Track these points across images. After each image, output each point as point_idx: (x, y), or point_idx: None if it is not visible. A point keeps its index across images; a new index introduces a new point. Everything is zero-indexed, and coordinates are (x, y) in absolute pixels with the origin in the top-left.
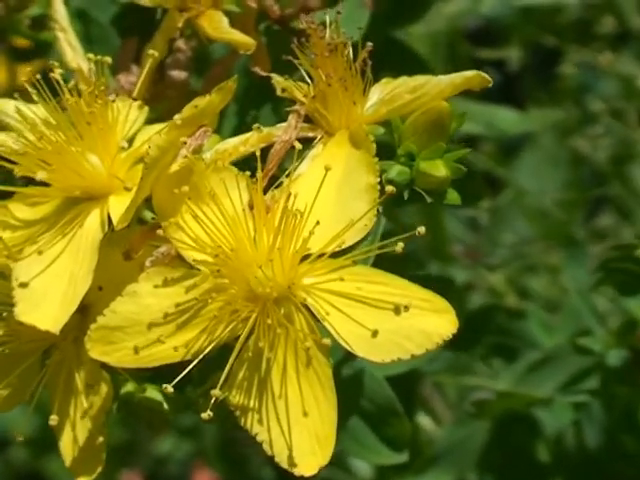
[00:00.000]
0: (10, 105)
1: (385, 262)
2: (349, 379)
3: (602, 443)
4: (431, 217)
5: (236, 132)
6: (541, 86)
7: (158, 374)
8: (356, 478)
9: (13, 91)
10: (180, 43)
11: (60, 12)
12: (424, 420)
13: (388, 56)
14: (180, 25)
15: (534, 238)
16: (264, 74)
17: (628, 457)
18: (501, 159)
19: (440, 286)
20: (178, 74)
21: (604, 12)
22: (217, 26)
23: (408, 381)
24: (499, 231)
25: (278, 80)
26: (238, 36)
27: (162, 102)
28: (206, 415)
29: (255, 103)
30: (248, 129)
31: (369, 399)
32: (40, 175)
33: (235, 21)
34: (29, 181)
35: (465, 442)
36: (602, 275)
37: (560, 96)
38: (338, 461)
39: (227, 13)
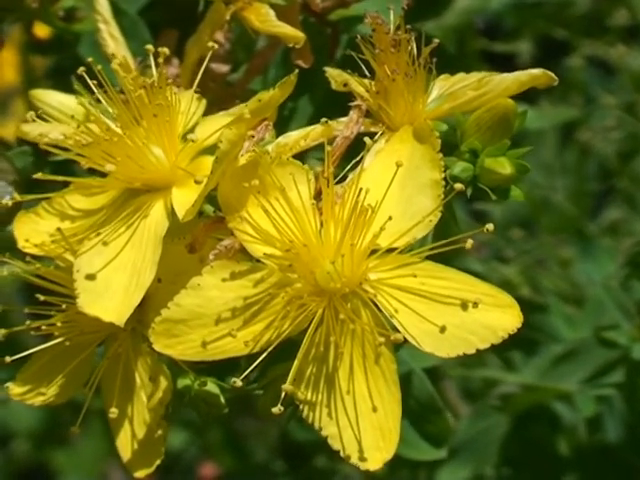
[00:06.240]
0: (52, 96)
1: None
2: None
3: (623, 437)
4: (444, 211)
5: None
6: None
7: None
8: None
9: (28, 83)
10: (218, 36)
11: (103, 4)
12: None
13: None
14: (228, 17)
15: (544, 232)
16: (306, 67)
17: None
18: None
19: None
20: (218, 67)
21: (615, 5)
22: (265, 19)
23: (432, 375)
24: (509, 225)
25: (334, 74)
26: (288, 29)
27: (204, 95)
28: (277, 410)
29: (292, 96)
30: (285, 123)
31: (411, 395)
32: (108, 167)
33: (279, 14)
34: (62, 171)
35: (483, 435)
36: (630, 269)
37: (570, 89)
38: None
39: (271, 6)
